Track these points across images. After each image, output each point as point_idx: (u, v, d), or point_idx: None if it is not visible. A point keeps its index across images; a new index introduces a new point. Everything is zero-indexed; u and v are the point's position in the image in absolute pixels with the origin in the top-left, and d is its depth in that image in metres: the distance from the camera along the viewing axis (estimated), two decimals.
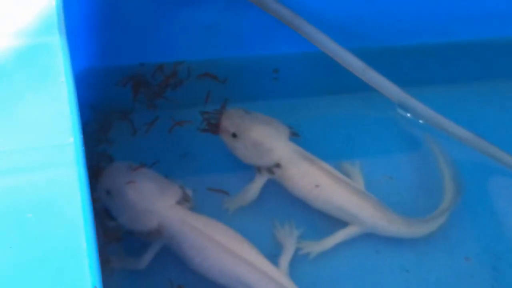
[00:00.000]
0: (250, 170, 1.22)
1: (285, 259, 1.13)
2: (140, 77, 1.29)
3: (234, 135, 1.19)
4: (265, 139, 1.18)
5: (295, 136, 1.23)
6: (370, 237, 1.19)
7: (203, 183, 1.21)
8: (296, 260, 1.15)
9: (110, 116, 1.26)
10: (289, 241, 1.16)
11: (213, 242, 1.08)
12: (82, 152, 0.79)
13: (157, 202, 1.10)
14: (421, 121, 1.27)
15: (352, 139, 1.31)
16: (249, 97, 1.32)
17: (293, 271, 1.13)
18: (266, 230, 1.19)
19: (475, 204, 1.24)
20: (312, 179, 1.18)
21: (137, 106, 1.29)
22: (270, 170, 1.19)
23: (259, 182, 1.20)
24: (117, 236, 1.12)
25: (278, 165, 1.18)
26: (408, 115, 1.28)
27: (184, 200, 1.13)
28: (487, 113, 1.34)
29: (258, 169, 1.20)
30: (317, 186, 1.17)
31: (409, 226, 1.18)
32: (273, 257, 1.12)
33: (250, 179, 1.21)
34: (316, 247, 1.17)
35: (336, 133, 1.31)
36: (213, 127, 1.21)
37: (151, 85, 1.29)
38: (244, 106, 1.25)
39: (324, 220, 1.20)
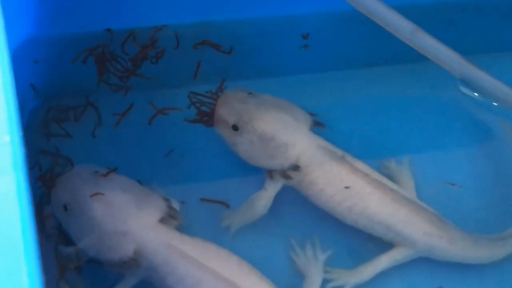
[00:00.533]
0: (258, 174, 1.21)
1: None
2: (106, 49, 1.28)
3: (234, 127, 1.18)
4: (278, 131, 1.17)
5: (319, 126, 1.22)
6: (426, 263, 1.19)
7: (195, 192, 1.22)
8: None
9: (65, 104, 1.26)
10: (313, 269, 1.16)
11: (209, 273, 1.08)
12: (22, 154, 0.78)
13: (132, 221, 1.09)
14: (494, 103, 1.27)
15: (398, 129, 1.31)
16: (257, 72, 1.33)
17: None
18: (282, 254, 1.20)
19: None
20: (343, 184, 1.17)
21: (103, 89, 1.28)
22: (285, 174, 1.18)
23: (270, 190, 1.19)
24: (76, 267, 1.12)
25: (296, 167, 1.17)
26: (475, 94, 1.28)
27: (169, 217, 1.12)
28: None
29: (269, 173, 1.19)
30: (350, 194, 1.17)
31: (478, 247, 1.17)
32: None
33: (258, 186, 1.21)
34: (351, 278, 1.16)
35: (377, 121, 1.31)
36: (206, 116, 1.20)
37: (121, 60, 1.29)
38: (249, 85, 1.24)
39: (361, 240, 1.21)
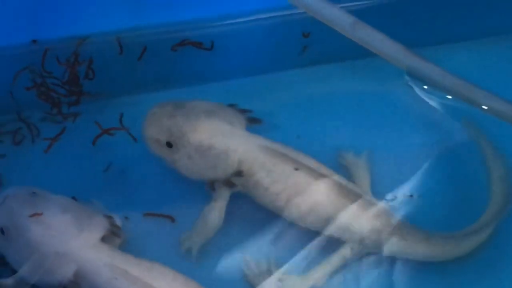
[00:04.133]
0: (202, 186, 1.21)
1: None
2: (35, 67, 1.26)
3: (169, 145, 1.16)
4: (214, 139, 1.16)
5: (255, 123, 1.21)
6: (380, 261, 1.18)
7: (138, 207, 1.21)
8: None
9: None
10: (267, 284, 1.15)
11: None
12: None
13: (73, 241, 1.08)
14: (448, 96, 1.26)
15: (350, 127, 1.31)
16: (197, 78, 1.32)
17: None
18: (233, 270, 1.18)
19: None
20: (289, 182, 1.16)
21: (38, 102, 1.27)
22: (228, 181, 1.17)
23: (219, 201, 1.18)
24: None
25: (239, 173, 1.16)
26: (424, 86, 1.28)
27: (112, 235, 1.11)
28: None
29: (211, 185, 1.18)
30: (296, 191, 1.15)
31: (430, 244, 1.16)
32: None
33: (203, 198, 1.20)
34: (305, 283, 1.15)
35: (326, 121, 1.31)
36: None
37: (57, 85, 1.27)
38: (190, 92, 1.26)
39: (317, 242, 1.19)
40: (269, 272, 1.16)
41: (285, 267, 1.17)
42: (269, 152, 1.17)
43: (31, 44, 1.24)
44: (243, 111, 1.21)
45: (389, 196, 1.21)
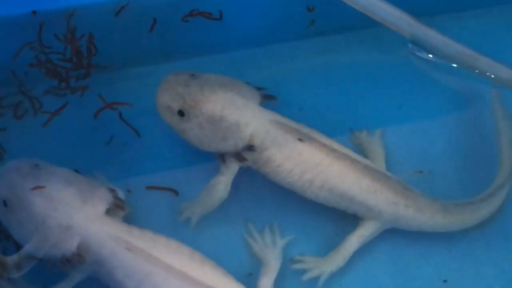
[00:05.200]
0: (206, 161, 1.21)
1: (265, 281, 1.13)
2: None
3: (180, 113, 1.16)
4: (227, 111, 1.15)
5: (269, 99, 1.21)
6: (394, 235, 1.19)
7: (142, 180, 1.22)
8: (285, 278, 1.16)
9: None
10: (271, 255, 1.15)
11: (161, 266, 1.07)
12: None
13: (77, 213, 1.08)
14: (454, 65, 1.27)
15: (358, 99, 1.30)
16: (198, 50, 1.31)
17: None
18: (239, 241, 1.19)
19: None
20: (302, 158, 1.15)
21: (40, 75, 1.25)
22: (239, 155, 1.17)
23: (227, 174, 1.18)
24: (17, 267, 1.10)
25: (250, 147, 1.16)
26: (429, 55, 1.28)
27: (116, 208, 1.11)
28: None
29: (221, 158, 1.18)
30: (309, 167, 1.15)
31: (447, 214, 1.16)
32: (248, 277, 1.14)
33: (206, 173, 1.20)
34: (326, 266, 1.15)
35: (334, 93, 1.30)
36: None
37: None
38: (193, 64, 1.24)
39: (326, 219, 1.20)
40: (274, 244, 1.17)
41: (292, 242, 1.18)
42: (282, 127, 1.17)
43: (31, 15, 1.22)
44: (258, 88, 1.21)
45: (398, 173, 1.21)
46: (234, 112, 1.16)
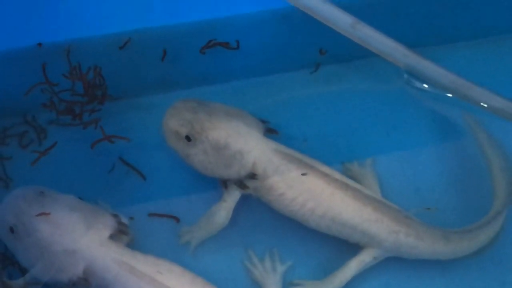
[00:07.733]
0: (208, 189, 1.21)
1: None
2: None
3: (187, 138, 1.16)
4: (232, 139, 1.16)
5: (272, 133, 1.22)
6: (395, 263, 1.18)
7: (144, 207, 1.21)
8: None
9: (4, 124, 1.25)
10: (271, 281, 1.15)
11: None
12: None
13: (81, 239, 1.08)
14: (447, 94, 1.25)
15: (353, 128, 1.30)
16: (198, 80, 1.31)
17: None
18: (238, 267, 1.18)
19: None
20: (304, 187, 1.16)
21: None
22: (242, 183, 1.17)
23: (229, 201, 1.18)
24: None
25: (253, 175, 1.16)
26: (424, 85, 1.27)
27: (119, 233, 1.12)
28: None
29: (224, 184, 1.18)
30: (311, 196, 1.15)
31: (447, 241, 1.16)
32: None
33: (208, 201, 1.20)
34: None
35: (330, 123, 1.30)
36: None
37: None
38: (192, 94, 1.24)
39: (326, 245, 1.20)
40: (274, 270, 1.17)
41: (292, 268, 1.18)
42: (285, 157, 1.17)
43: (37, 48, 1.22)
44: (263, 121, 1.21)
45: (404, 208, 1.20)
46: (238, 140, 1.16)
